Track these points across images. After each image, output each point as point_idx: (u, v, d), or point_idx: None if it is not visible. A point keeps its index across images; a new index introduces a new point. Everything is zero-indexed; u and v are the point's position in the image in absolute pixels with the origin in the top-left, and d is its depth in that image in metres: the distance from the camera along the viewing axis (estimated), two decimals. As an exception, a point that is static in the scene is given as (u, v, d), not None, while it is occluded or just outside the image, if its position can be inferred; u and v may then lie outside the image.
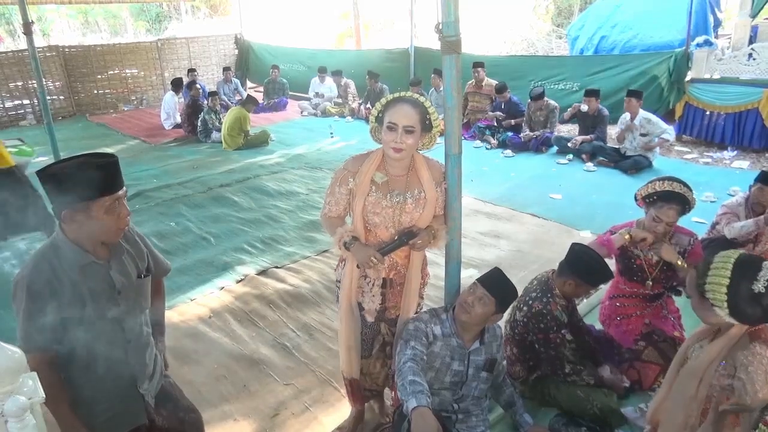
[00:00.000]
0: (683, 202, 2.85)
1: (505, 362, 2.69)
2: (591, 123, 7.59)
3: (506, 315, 3.05)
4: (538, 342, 2.73)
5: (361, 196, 2.25)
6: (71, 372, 1.82)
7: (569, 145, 7.61)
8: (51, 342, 1.74)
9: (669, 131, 6.84)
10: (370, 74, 10.47)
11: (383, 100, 2.21)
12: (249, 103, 9.20)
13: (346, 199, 2.33)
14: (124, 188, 1.77)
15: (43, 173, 1.68)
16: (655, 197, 2.89)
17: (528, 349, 2.86)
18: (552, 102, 8.11)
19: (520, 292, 3.06)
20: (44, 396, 1.36)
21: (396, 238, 2.25)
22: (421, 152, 2.33)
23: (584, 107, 7.54)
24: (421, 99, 2.20)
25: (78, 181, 1.65)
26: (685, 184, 2.88)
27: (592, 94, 7.49)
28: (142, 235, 2.04)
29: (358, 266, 2.28)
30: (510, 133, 8.25)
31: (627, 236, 2.95)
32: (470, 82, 9.00)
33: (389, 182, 2.26)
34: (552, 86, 8.76)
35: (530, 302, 2.76)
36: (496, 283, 2.32)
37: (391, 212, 2.26)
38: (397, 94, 2.21)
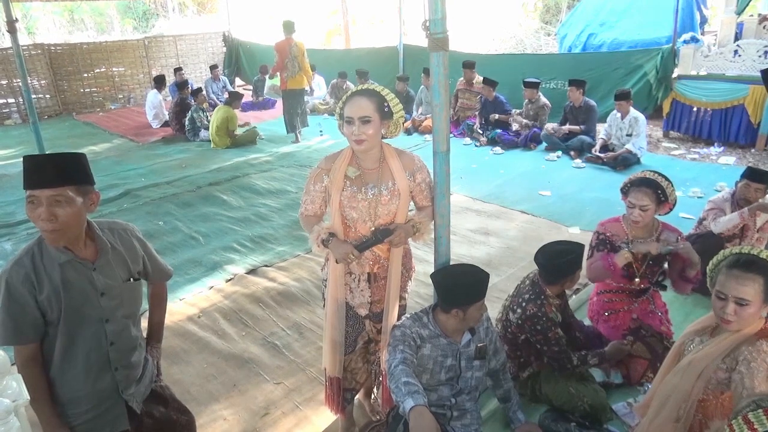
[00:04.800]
0: (654, 187, 2.89)
1: (503, 346, 2.67)
2: (581, 117, 7.63)
3: (498, 314, 3.08)
4: (538, 342, 2.73)
5: (337, 192, 2.27)
6: (50, 370, 1.81)
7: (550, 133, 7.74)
8: (26, 337, 1.75)
9: (639, 144, 6.89)
10: (340, 75, 10.64)
11: (344, 98, 2.25)
12: (234, 99, 9.12)
13: (322, 197, 2.36)
14: (58, 190, 1.67)
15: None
16: (629, 185, 3.01)
17: (519, 347, 2.87)
18: (543, 98, 8.14)
19: (510, 290, 3.08)
20: (29, 398, 1.35)
21: (372, 235, 2.27)
22: (392, 144, 2.37)
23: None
24: (378, 88, 2.24)
25: (24, 169, 1.68)
26: (662, 174, 2.94)
27: (574, 83, 7.51)
28: (143, 240, 2.02)
29: (337, 261, 2.30)
30: (499, 130, 8.27)
31: (627, 254, 2.93)
32: (460, 79, 9.01)
33: (363, 176, 2.29)
34: (543, 85, 8.79)
35: (524, 304, 2.76)
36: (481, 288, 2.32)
37: (367, 205, 2.28)
38: (354, 89, 2.26)
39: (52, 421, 1.80)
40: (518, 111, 8.32)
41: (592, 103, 7.65)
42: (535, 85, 8.06)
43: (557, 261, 2.70)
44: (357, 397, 2.78)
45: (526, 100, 8.23)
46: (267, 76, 10.41)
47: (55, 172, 1.67)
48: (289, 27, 8.55)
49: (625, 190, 3.04)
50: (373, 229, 2.29)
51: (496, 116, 8.36)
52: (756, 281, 1.94)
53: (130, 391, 1.95)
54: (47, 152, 6.33)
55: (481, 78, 8.70)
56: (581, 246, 2.78)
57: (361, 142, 2.18)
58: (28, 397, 1.41)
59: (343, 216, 2.31)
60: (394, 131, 2.33)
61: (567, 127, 7.69)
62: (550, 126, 7.90)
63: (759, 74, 7.37)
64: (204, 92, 10.08)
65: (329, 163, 2.33)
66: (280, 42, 8.64)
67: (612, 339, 3.06)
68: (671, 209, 2.99)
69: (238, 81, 14.50)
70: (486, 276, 2.30)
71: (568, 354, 2.72)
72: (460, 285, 2.26)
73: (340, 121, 2.28)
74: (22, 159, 1.70)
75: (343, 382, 2.57)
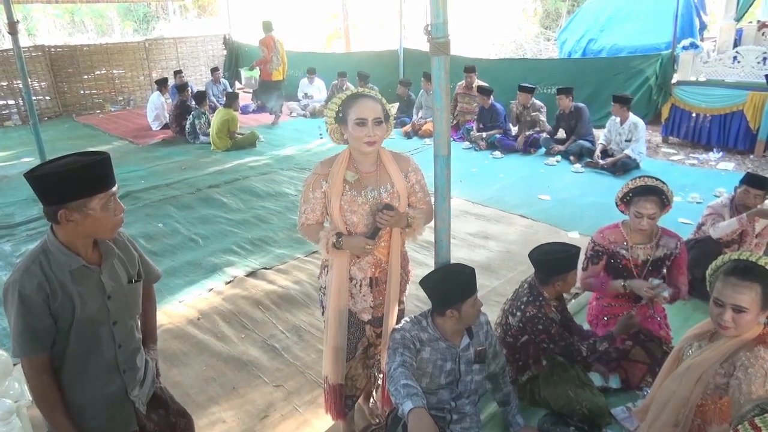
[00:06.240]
0: (659, 194, 2.90)
1: (502, 350, 2.68)
2: (572, 122, 7.65)
3: (497, 318, 3.08)
4: (544, 342, 2.76)
5: (336, 197, 2.26)
6: (61, 376, 1.80)
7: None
8: (43, 346, 1.72)
9: (639, 149, 6.90)
10: (340, 74, 10.62)
11: (337, 100, 2.24)
12: (232, 100, 9.08)
13: (322, 203, 2.34)
14: (117, 185, 1.78)
15: (33, 175, 1.65)
16: (630, 195, 3.01)
17: (519, 350, 2.88)
18: (537, 102, 8.16)
19: (509, 294, 3.09)
20: (30, 399, 1.34)
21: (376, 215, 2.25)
22: (387, 148, 2.38)
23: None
24: (372, 92, 2.26)
25: (73, 179, 1.64)
26: (658, 179, 2.96)
27: (562, 92, 7.55)
28: (133, 241, 2.02)
29: (358, 256, 2.30)
30: (499, 135, 8.28)
31: (621, 288, 3.06)
32: (460, 83, 9.02)
33: (361, 179, 2.29)
34: (544, 90, 8.82)
35: (523, 307, 2.78)
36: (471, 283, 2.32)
37: (368, 209, 2.28)
38: (349, 92, 2.26)
39: (69, 429, 1.78)
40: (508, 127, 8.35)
41: (581, 105, 7.68)
42: (530, 91, 8.07)
43: (549, 257, 2.75)
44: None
45: (521, 106, 8.24)
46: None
47: (112, 169, 1.75)
48: (268, 26, 10.15)
49: (627, 200, 3.04)
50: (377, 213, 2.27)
51: (484, 135, 8.34)
52: (753, 289, 1.94)
53: (135, 392, 1.96)
54: (47, 154, 6.35)
55: (483, 84, 8.71)
56: (576, 248, 2.81)
57: (373, 144, 2.19)
58: (30, 399, 1.40)
59: (344, 221, 2.30)
60: (386, 134, 2.34)
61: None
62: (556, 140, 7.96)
63: (758, 80, 7.43)
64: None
65: (326, 168, 2.31)
66: (265, 38, 10.16)
67: (612, 343, 3.07)
68: (669, 210, 3.01)
69: (238, 84, 14.51)
70: (471, 271, 2.32)
71: (576, 345, 2.75)
72: (448, 284, 2.28)
73: (335, 125, 2.27)
74: (75, 163, 1.67)
75: (344, 389, 2.57)
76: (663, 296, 2.92)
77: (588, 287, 3.22)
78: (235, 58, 14.41)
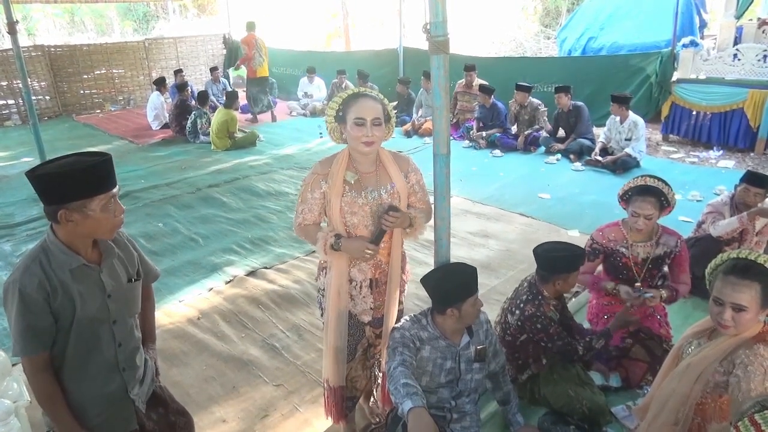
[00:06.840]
0: (658, 195, 2.90)
1: (502, 349, 2.68)
2: (572, 120, 7.65)
3: (496, 317, 3.08)
4: (542, 341, 2.76)
5: (337, 198, 2.24)
6: (61, 375, 1.80)
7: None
8: (44, 345, 1.73)
9: (639, 147, 6.89)
10: (339, 72, 10.58)
11: (338, 99, 2.22)
12: (231, 100, 9.06)
13: (321, 204, 2.31)
14: (118, 186, 1.77)
15: (35, 174, 1.65)
16: (630, 193, 3.02)
17: (518, 349, 2.88)
18: (535, 101, 8.15)
19: (509, 293, 3.09)
20: (29, 399, 1.34)
21: (381, 217, 2.23)
22: (386, 148, 2.37)
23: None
24: (373, 92, 2.25)
25: (74, 179, 1.64)
26: (661, 179, 2.95)
27: (561, 90, 7.54)
28: (132, 240, 2.02)
29: (358, 259, 2.27)
30: (498, 133, 8.27)
31: (611, 290, 3.13)
32: (460, 81, 9.00)
33: (361, 180, 2.27)
34: (544, 89, 8.81)
35: (522, 305, 2.78)
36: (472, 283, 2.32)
37: (368, 209, 2.27)
38: (350, 91, 2.24)
39: (72, 426, 1.79)
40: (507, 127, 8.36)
41: (580, 104, 7.67)
42: (528, 89, 8.06)
43: (553, 255, 2.75)
44: (356, 400, 2.78)
45: (518, 106, 8.23)
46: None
47: (113, 170, 1.75)
48: (251, 25, 10.48)
49: (626, 198, 3.05)
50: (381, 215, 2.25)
51: (484, 133, 8.34)
52: (752, 287, 1.94)
53: (135, 391, 1.96)
54: (47, 154, 6.34)
55: (483, 82, 8.68)
56: (581, 249, 2.80)
57: (371, 144, 2.17)
58: (29, 399, 1.40)
59: (344, 222, 2.28)
60: (387, 135, 2.33)
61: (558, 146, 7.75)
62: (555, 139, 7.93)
63: (758, 78, 7.43)
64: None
65: (325, 167, 2.29)
66: (246, 37, 10.43)
67: (612, 342, 3.07)
68: (671, 211, 3.01)
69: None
70: (473, 270, 2.31)
71: (573, 345, 2.75)
72: (448, 283, 2.27)
73: (335, 124, 2.25)
74: (76, 163, 1.67)
75: (344, 390, 2.56)
76: (645, 298, 2.98)
77: (581, 282, 3.24)
78: (234, 58, 14.39)
